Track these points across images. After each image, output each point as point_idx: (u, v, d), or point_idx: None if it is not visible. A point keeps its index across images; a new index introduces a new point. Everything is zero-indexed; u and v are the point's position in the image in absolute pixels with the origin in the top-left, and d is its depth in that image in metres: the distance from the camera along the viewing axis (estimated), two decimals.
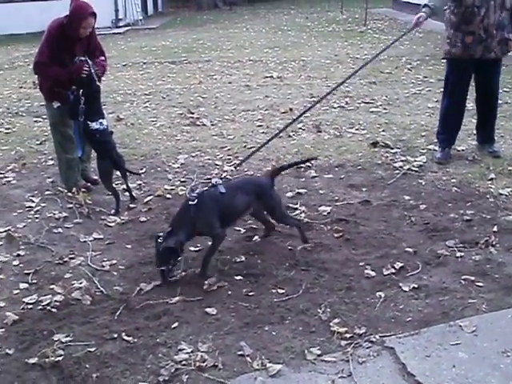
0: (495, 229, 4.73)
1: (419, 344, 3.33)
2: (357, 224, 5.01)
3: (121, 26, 23.38)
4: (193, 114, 8.93)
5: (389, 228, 4.90)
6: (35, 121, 8.98)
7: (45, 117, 7.32)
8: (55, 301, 4.00)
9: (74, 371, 3.29)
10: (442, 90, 6.58)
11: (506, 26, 6.01)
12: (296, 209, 5.31)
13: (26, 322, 3.80)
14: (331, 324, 3.59)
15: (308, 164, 6.34)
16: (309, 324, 3.63)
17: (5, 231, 5.14)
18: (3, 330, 3.73)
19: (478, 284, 3.96)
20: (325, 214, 5.22)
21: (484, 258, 4.32)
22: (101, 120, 5.58)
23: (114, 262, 4.56)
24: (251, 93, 10.33)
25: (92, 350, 3.46)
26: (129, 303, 3.94)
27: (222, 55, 14.81)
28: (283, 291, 4.00)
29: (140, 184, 6.14)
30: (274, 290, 4.02)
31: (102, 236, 5.04)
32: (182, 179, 6.24)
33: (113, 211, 5.50)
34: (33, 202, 5.80)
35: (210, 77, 12.06)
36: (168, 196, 5.79)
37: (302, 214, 5.18)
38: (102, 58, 5.81)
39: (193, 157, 6.96)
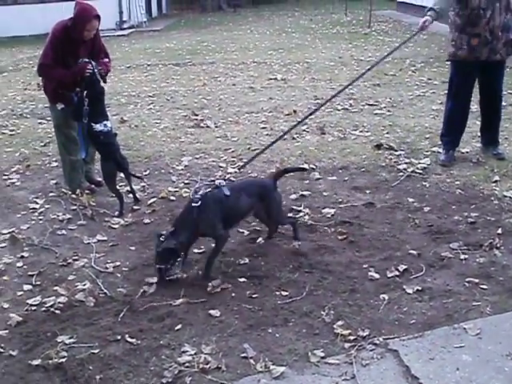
0: (499, 231, 4.72)
1: (423, 347, 3.33)
2: (361, 226, 5.00)
3: (125, 28, 23.42)
4: (197, 115, 8.94)
5: (393, 230, 4.90)
6: (39, 122, 8.99)
7: (49, 118, 7.34)
8: (59, 302, 4.00)
9: (77, 373, 3.29)
10: (447, 92, 6.57)
11: (510, 28, 6.02)
12: (300, 211, 5.30)
13: (30, 324, 3.80)
14: (335, 326, 3.58)
15: (312, 166, 6.34)
16: (312, 326, 3.62)
17: (9, 233, 5.14)
18: (7, 331, 3.73)
19: (482, 286, 3.95)
20: (329, 216, 5.21)
21: (488, 260, 4.31)
22: (105, 122, 5.59)
23: (118, 263, 4.56)
24: (255, 95, 10.33)
25: (95, 351, 3.46)
26: (132, 305, 3.94)
27: (226, 57, 14.82)
28: (287, 293, 4.00)
29: (144, 186, 6.14)
30: (277, 292, 4.02)
31: (105, 238, 5.04)
32: (186, 181, 6.24)
33: (116, 213, 5.50)
34: (37, 203, 5.81)
35: (214, 79, 12.07)
36: (172, 198, 5.78)
37: (306, 216, 5.17)
38: (106, 59, 5.82)
39: (197, 159, 6.96)
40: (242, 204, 4.45)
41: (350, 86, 9.70)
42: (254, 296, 3.99)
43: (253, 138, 7.66)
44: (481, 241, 4.59)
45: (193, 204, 4.25)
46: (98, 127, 5.54)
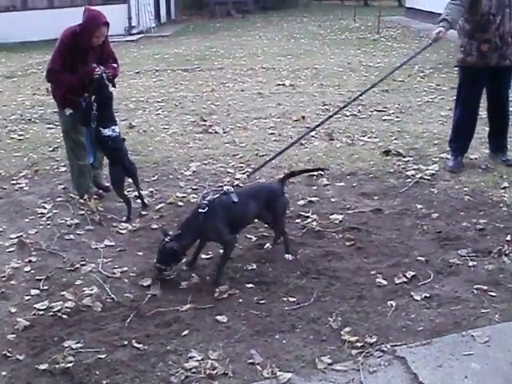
0: (508, 238, 4.69)
1: (431, 354, 3.31)
2: (368, 232, 4.99)
3: (134, 34, 23.50)
4: (205, 121, 8.95)
5: (401, 237, 4.88)
6: (48, 127, 9.02)
7: (57, 123, 7.35)
8: (66, 307, 4.00)
9: (84, 378, 3.29)
10: (455, 98, 6.55)
11: None
12: (308, 217, 5.29)
13: (37, 328, 3.80)
14: (342, 333, 3.57)
15: (320, 172, 6.33)
16: (320, 332, 3.61)
17: (17, 237, 5.15)
18: (14, 335, 3.73)
19: (490, 294, 3.93)
20: (336, 222, 5.20)
21: (497, 267, 4.29)
22: (113, 127, 5.60)
23: (125, 269, 4.56)
24: (263, 100, 10.34)
25: (102, 356, 3.46)
26: (139, 310, 3.94)
27: (234, 63, 14.84)
28: (294, 299, 3.99)
29: (152, 191, 6.14)
30: (284, 298, 4.01)
31: (113, 243, 5.04)
32: (194, 187, 6.24)
33: (124, 218, 5.50)
34: (45, 208, 5.81)
35: (223, 84, 12.08)
36: (180, 203, 5.78)
37: (314, 223, 5.16)
38: (115, 65, 5.84)
39: (205, 164, 6.96)
40: (249, 210, 4.46)
41: (359, 92, 9.74)
42: (261, 302, 3.98)
43: (261, 144, 7.66)
44: (489, 247, 4.56)
45: (199, 210, 4.26)
46: (107, 132, 5.55)
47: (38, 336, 3.71)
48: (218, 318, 3.80)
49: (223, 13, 32.89)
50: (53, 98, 6.06)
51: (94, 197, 5.89)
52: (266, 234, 4.96)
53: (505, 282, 4.08)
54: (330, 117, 6.32)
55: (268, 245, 4.82)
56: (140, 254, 4.82)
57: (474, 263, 4.35)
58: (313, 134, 7.73)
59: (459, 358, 3.26)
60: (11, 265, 4.67)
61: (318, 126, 6.21)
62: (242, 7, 32.93)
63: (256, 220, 4.78)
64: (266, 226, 4.90)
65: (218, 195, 4.44)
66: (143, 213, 5.64)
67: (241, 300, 4.02)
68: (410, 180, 6.10)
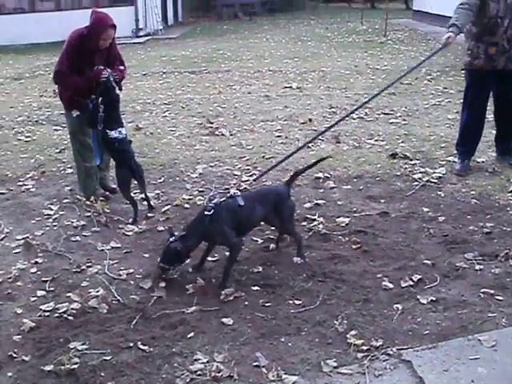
0: None
1: (437, 358, 3.30)
2: (375, 235, 4.98)
3: (141, 36, 23.54)
4: (212, 123, 8.95)
5: (407, 240, 4.87)
6: (55, 129, 9.04)
7: (64, 125, 7.38)
8: (72, 309, 4.01)
9: (89, 379, 3.29)
10: (462, 101, 6.53)
11: None
12: (314, 220, 5.28)
13: (43, 330, 3.81)
14: (348, 336, 3.56)
15: (326, 175, 6.33)
16: (325, 336, 3.60)
17: (23, 239, 5.16)
18: (20, 336, 3.74)
19: (497, 298, 3.91)
20: (343, 225, 5.19)
21: (504, 271, 4.27)
22: (120, 129, 5.61)
23: (131, 270, 4.56)
24: (270, 103, 10.34)
25: (108, 358, 3.46)
26: (145, 312, 3.94)
27: (241, 65, 14.85)
28: (300, 302, 3.98)
29: (158, 193, 6.15)
30: (290, 301, 4.00)
31: (119, 245, 5.04)
32: (201, 189, 6.24)
33: (131, 220, 5.51)
34: (51, 209, 5.83)
35: (230, 87, 12.09)
36: (186, 206, 5.78)
37: (320, 225, 5.15)
38: (122, 67, 5.85)
39: (211, 167, 6.96)
40: (255, 213, 4.45)
41: (365, 95, 9.75)
42: (267, 305, 3.97)
43: (268, 147, 7.65)
44: (496, 251, 4.55)
45: (205, 212, 4.27)
46: (113, 134, 5.56)
47: (43, 337, 3.71)
48: (224, 320, 3.80)
49: (230, 15, 32.92)
50: (60, 100, 6.07)
51: (101, 198, 5.90)
52: (272, 237, 4.95)
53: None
54: (340, 120, 6.30)
55: (272, 245, 4.82)
56: (146, 255, 4.82)
57: (481, 267, 4.33)
58: (319, 137, 7.73)
59: (465, 362, 3.25)
60: (17, 266, 4.69)
61: (328, 129, 6.20)
62: (250, 9, 32.95)
63: (262, 223, 4.78)
64: (273, 228, 4.89)
65: (224, 198, 4.44)
66: (149, 215, 5.64)
67: (246, 303, 4.01)
68: (416, 183, 6.08)
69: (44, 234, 5.30)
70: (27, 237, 5.19)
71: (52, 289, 4.33)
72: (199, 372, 3.30)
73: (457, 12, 5.83)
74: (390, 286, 4.14)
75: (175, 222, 5.40)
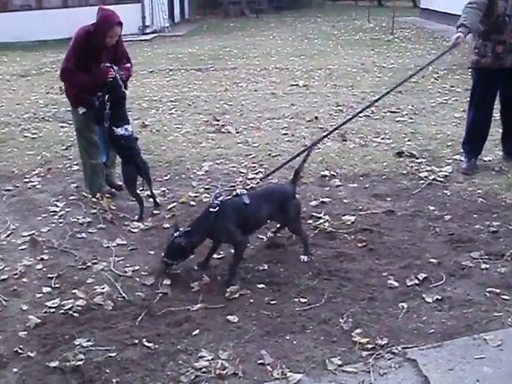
0: None
1: (442, 357, 3.29)
2: (381, 234, 4.97)
3: (148, 33, 23.55)
4: (218, 121, 8.95)
5: (413, 238, 4.86)
6: (61, 126, 9.06)
7: (71, 122, 7.38)
8: (77, 305, 4.01)
9: (94, 376, 3.30)
10: (469, 99, 6.51)
11: None
12: (320, 218, 5.28)
13: (48, 326, 3.82)
14: (353, 334, 3.56)
15: (332, 173, 6.33)
16: (330, 334, 3.60)
17: (29, 235, 5.18)
18: (26, 332, 3.75)
19: (503, 297, 3.90)
20: (349, 223, 5.18)
21: (510, 270, 4.25)
22: (126, 126, 5.61)
23: (137, 267, 4.57)
24: (277, 101, 10.33)
25: (113, 355, 3.47)
26: (150, 309, 3.94)
27: (248, 63, 14.85)
28: (305, 300, 3.98)
29: (164, 190, 6.16)
30: (296, 299, 4.00)
31: (125, 242, 5.05)
32: (207, 186, 6.25)
33: (136, 217, 5.52)
34: (57, 206, 5.84)
35: (236, 84, 12.09)
36: (192, 203, 5.79)
37: (326, 223, 5.15)
38: (128, 64, 5.85)
39: (217, 164, 6.96)
40: (261, 212, 4.45)
41: (372, 93, 9.74)
42: (272, 302, 3.97)
43: (274, 144, 7.65)
44: (502, 250, 4.53)
45: (210, 209, 4.28)
46: (119, 131, 5.56)
47: (49, 334, 3.72)
48: (229, 317, 3.80)
49: (237, 12, 32.91)
50: (66, 97, 6.07)
51: (107, 195, 5.92)
52: (278, 235, 4.94)
53: None
54: (351, 119, 6.28)
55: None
56: (152, 253, 4.82)
57: (487, 266, 4.32)
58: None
59: (471, 361, 3.24)
60: (23, 262, 4.70)
61: (338, 127, 6.19)
62: (256, 7, 32.95)
63: (268, 221, 4.78)
64: (279, 226, 4.89)
65: (230, 196, 4.45)
66: (155, 212, 5.65)
67: (252, 300, 4.01)
68: (422, 182, 6.07)
69: (50, 231, 5.31)
70: (33, 233, 5.21)
71: (57, 285, 4.35)
72: (204, 369, 3.30)
73: (465, 11, 5.80)
74: (396, 284, 4.14)
75: (181, 220, 5.39)
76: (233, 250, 4.44)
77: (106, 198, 5.82)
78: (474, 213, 5.29)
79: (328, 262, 4.51)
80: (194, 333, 3.66)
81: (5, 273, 4.55)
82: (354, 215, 5.33)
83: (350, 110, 9.25)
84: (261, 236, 4.94)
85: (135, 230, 5.27)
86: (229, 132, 8.39)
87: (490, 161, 6.57)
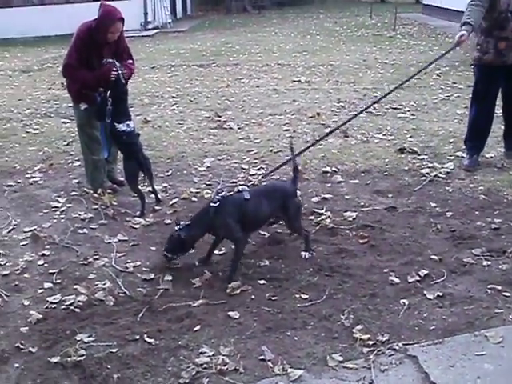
0: None
1: (443, 353, 3.29)
2: (382, 230, 4.97)
3: (150, 29, 23.53)
4: (220, 117, 8.95)
5: (414, 235, 4.86)
6: (63, 122, 9.07)
7: (72, 118, 7.39)
8: (78, 301, 4.02)
9: (95, 371, 3.31)
10: (471, 96, 6.50)
11: None
12: (321, 214, 5.27)
13: (50, 321, 3.82)
14: (354, 330, 3.56)
15: (334, 169, 6.34)
16: (331, 330, 3.60)
17: (31, 231, 5.18)
18: (27, 328, 3.76)
19: (504, 294, 3.89)
20: (350, 219, 5.18)
21: (511, 267, 4.24)
22: (127, 122, 5.61)
23: (138, 263, 4.57)
24: (279, 97, 10.32)
25: (114, 350, 3.47)
26: (152, 305, 3.95)
27: (250, 59, 14.84)
28: (306, 296, 3.98)
29: (166, 186, 6.16)
30: (297, 295, 4.00)
31: (126, 237, 5.05)
32: (208, 182, 6.24)
33: (138, 213, 5.52)
34: (59, 202, 5.85)
35: (238, 80, 12.08)
36: (193, 199, 5.79)
37: (328, 220, 5.14)
38: (130, 61, 5.84)
39: (219, 160, 6.96)
40: (262, 209, 4.44)
41: (374, 89, 9.72)
42: (273, 298, 3.98)
43: (275, 140, 7.64)
44: (504, 247, 4.53)
45: (211, 204, 4.29)
46: (121, 127, 5.56)
47: (50, 329, 3.73)
48: (230, 313, 3.80)
49: (239, 8, 32.91)
50: (68, 93, 6.07)
51: (108, 191, 5.92)
52: (279, 231, 4.95)
53: None
54: (354, 117, 6.28)
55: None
56: (153, 248, 4.83)
57: (488, 263, 4.32)
58: (328, 130, 7.71)
59: (472, 358, 3.24)
60: (25, 258, 4.71)
61: (341, 126, 6.18)
62: (258, 3, 32.97)
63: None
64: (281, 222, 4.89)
65: (231, 192, 4.45)
66: (157, 208, 5.65)
67: (253, 296, 4.02)
68: (424, 178, 6.06)
69: (51, 227, 5.32)
70: (35, 229, 5.22)
71: (59, 281, 4.35)
72: (205, 365, 3.31)
73: (469, 9, 5.78)
74: (397, 280, 4.14)
75: (182, 215, 5.39)
76: (233, 246, 4.44)
77: (108, 194, 5.82)
78: (475, 209, 5.29)
79: (329, 258, 4.52)
80: (195, 329, 3.66)
81: (6, 268, 4.56)
82: (355, 211, 5.33)
83: (352, 106, 9.25)
84: (262, 232, 4.93)
85: (137, 226, 5.28)
86: (230, 128, 8.39)
87: (491, 158, 6.57)
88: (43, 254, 4.78)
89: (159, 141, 7.83)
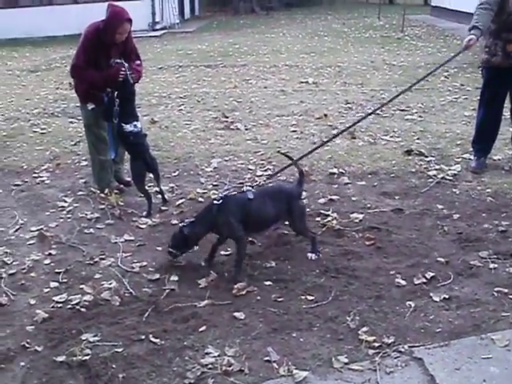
0: None
1: (449, 356, 3.28)
2: (389, 232, 4.95)
3: (157, 29, 23.60)
4: (227, 118, 8.95)
5: (421, 237, 4.84)
6: (70, 122, 9.09)
7: (80, 118, 7.40)
8: (84, 300, 4.03)
9: (100, 371, 3.31)
10: (479, 98, 6.48)
11: None
12: (328, 215, 5.27)
13: (56, 321, 3.83)
14: (359, 332, 3.55)
15: (341, 171, 6.34)
16: (337, 332, 3.59)
17: (37, 230, 5.20)
18: (33, 327, 3.77)
19: (511, 297, 3.88)
20: (357, 221, 5.17)
21: None
22: (135, 122, 5.62)
23: (144, 263, 4.58)
24: (286, 98, 10.32)
25: (119, 350, 3.47)
26: (157, 305, 3.95)
27: (257, 60, 14.84)
28: (312, 298, 3.97)
29: (172, 187, 6.16)
30: (303, 297, 4.00)
31: (132, 238, 5.06)
32: (215, 183, 6.25)
33: (144, 213, 5.52)
34: (65, 202, 5.86)
35: (246, 81, 12.09)
36: (200, 199, 5.79)
37: (334, 221, 5.13)
38: (138, 62, 5.83)
39: (226, 161, 6.96)
40: (265, 210, 4.42)
41: (381, 91, 9.71)
42: (279, 300, 3.97)
43: (283, 142, 7.64)
44: (511, 250, 4.51)
45: (214, 202, 4.31)
46: (128, 127, 5.57)
47: (56, 328, 3.73)
48: (236, 314, 3.80)
49: (247, 9, 32.96)
50: (75, 93, 6.09)
51: (115, 191, 5.92)
52: (285, 232, 4.94)
53: None
54: (362, 119, 6.25)
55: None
56: (159, 249, 4.83)
57: (495, 265, 4.30)
58: (335, 132, 7.71)
59: (478, 361, 3.23)
60: (31, 257, 4.72)
61: (349, 128, 6.16)
62: (266, 4, 33.00)
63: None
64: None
65: (236, 192, 4.47)
66: (163, 208, 5.66)
67: (259, 297, 4.01)
68: (431, 180, 6.05)
69: (58, 226, 5.33)
70: (41, 228, 5.23)
71: (65, 280, 4.36)
72: (210, 366, 3.30)
73: (477, 13, 5.75)
74: (403, 282, 4.13)
75: (189, 216, 5.38)
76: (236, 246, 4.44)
77: (115, 194, 5.83)
78: (482, 212, 5.27)
79: (335, 259, 4.51)
80: (200, 329, 3.66)
81: (13, 267, 4.57)
82: (362, 213, 5.32)
83: (360, 107, 9.24)
84: (268, 233, 4.93)
85: (143, 226, 5.28)
86: (238, 129, 8.39)
87: (499, 160, 6.55)
88: (50, 254, 4.79)
89: (166, 141, 7.84)
